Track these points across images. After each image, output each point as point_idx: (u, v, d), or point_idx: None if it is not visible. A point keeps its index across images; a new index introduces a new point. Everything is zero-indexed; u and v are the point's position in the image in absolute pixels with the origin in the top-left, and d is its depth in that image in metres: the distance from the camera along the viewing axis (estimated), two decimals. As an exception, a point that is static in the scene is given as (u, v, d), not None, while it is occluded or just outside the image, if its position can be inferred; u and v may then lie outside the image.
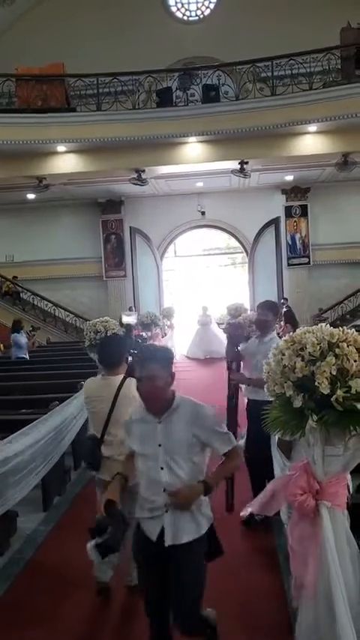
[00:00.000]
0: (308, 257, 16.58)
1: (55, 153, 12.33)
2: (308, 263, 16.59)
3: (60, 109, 11.97)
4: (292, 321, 10.31)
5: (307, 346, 1.91)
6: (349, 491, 2.18)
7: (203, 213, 17.08)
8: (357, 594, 2.07)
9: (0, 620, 3.27)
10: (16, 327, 10.77)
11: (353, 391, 1.81)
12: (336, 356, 1.86)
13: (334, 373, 1.84)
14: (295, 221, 16.55)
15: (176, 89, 12.36)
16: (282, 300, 15.63)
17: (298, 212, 16.52)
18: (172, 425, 2.41)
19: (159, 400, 2.41)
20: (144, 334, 11.80)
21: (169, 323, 14.80)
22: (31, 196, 14.59)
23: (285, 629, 2.88)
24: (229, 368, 4.46)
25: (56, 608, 3.38)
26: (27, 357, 10.69)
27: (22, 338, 10.71)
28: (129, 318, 4.93)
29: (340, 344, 1.89)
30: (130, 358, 3.63)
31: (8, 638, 3.10)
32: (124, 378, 3.25)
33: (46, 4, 15.92)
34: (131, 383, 3.07)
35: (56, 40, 14.55)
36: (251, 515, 4.17)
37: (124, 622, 3.24)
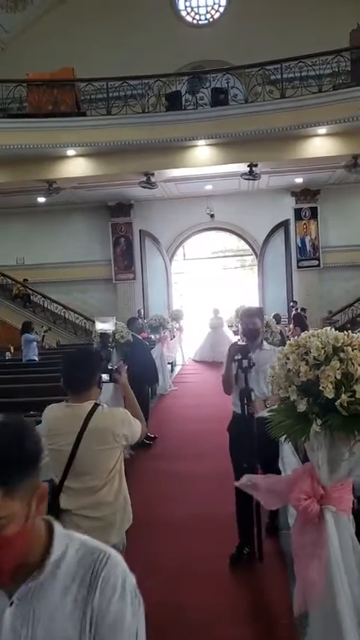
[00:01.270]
0: (318, 259, 16.52)
1: (66, 157, 12.40)
2: (318, 265, 16.53)
3: (70, 113, 12.06)
4: (301, 324, 10.24)
5: (312, 350, 1.90)
6: (354, 496, 2.16)
7: (212, 215, 17.11)
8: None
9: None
10: (26, 328, 10.91)
11: (358, 395, 1.80)
12: (340, 360, 1.85)
13: (339, 377, 1.83)
14: (304, 223, 16.50)
15: (185, 92, 12.38)
16: (291, 303, 15.61)
17: (307, 214, 16.47)
18: (40, 607, 1.08)
19: (9, 562, 1.03)
20: (152, 337, 11.83)
21: (177, 325, 14.79)
22: (41, 200, 14.69)
23: (293, 634, 2.85)
24: (246, 399, 3.73)
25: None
26: (37, 358, 10.72)
27: (31, 336, 10.86)
28: (105, 325, 4.02)
29: (344, 348, 1.88)
30: (104, 377, 2.94)
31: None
32: (95, 406, 2.62)
33: (56, 10, 16.06)
34: (107, 412, 2.65)
35: (67, 45, 14.65)
36: (240, 548, 3.85)
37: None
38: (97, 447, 2.54)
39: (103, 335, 3.60)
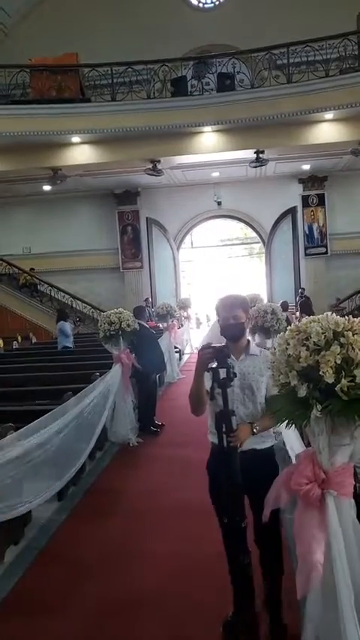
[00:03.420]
0: (326, 247, 16.43)
1: (70, 144, 12.37)
2: (326, 253, 16.43)
3: (74, 99, 11.99)
4: (307, 311, 10.21)
5: (312, 335, 1.89)
6: (355, 480, 2.16)
7: (219, 203, 17.04)
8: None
9: (14, 609, 3.31)
10: (62, 315, 10.85)
11: (358, 380, 1.79)
12: (341, 345, 1.83)
13: (339, 362, 1.82)
14: (312, 210, 16.40)
15: (191, 78, 12.29)
16: (299, 290, 15.56)
17: (315, 201, 16.35)
18: None
19: None
20: (160, 325, 11.84)
21: (185, 314, 14.77)
22: (47, 188, 14.67)
23: (295, 616, 2.87)
24: (226, 428, 2.57)
25: (67, 597, 3.42)
26: (72, 346, 10.66)
27: (67, 327, 10.70)
28: None
29: (345, 333, 1.86)
30: None
31: (22, 627, 3.14)
32: None
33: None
34: None
35: (70, 30, 14.55)
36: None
37: (135, 611, 3.26)
38: None
39: None
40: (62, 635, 3.04)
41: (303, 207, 16.43)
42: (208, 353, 2.59)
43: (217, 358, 2.57)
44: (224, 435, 2.56)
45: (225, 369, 2.55)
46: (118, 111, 11.80)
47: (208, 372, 2.62)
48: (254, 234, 18.47)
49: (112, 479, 5.55)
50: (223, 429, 2.56)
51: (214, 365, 2.57)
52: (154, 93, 12.36)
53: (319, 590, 1.98)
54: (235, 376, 2.59)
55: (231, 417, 2.57)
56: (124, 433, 6.63)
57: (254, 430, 2.66)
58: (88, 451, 5.25)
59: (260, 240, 18.13)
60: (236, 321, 2.85)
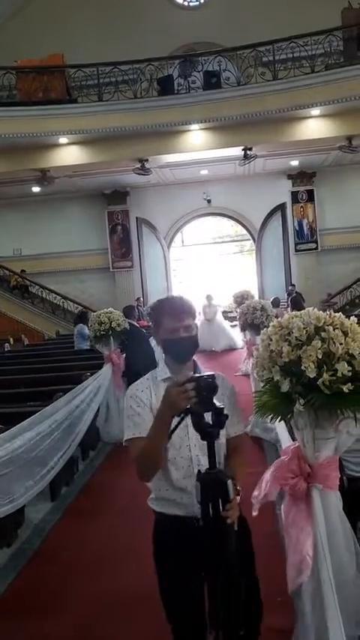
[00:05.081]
0: (316, 242, 16.47)
1: (58, 145, 12.34)
2: (316, 248, 16.47)
3: (61, 100, 11.96)
4: (299, 307, 10.23)
5: (294, 331, 1.91)
6: (341, 473, 2.18)
7: (209, 201, 17.04)
8: (353, 573, 2.08)
9: (7, 611, 3.31)
10: (82, 318, 10.60)
11: (339, 374, 1.81)
12: (322, 340, 1.86)
13: (320, 357, 1.84)
14: (301, 206, 16.43)
15: (177, 77, 12.28)
16: (290, 287, 15.60)
17: (304, 197, 16.38)
18: None
19: None
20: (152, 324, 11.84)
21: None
22: (36, 189, 14.62)
23: (289, 610, 2.88)
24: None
25: (62, 598, 3.42)
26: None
27: (86, 329, 10.16)
28: None
29: (326, 327, 1.88)
30: None
31: (16, 628, 3.15)
32: None
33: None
34: None
35: (56, 31, 14.51)
36: None
37: (129, 611, 3.26)
38: None
39: None
40: (56, 636, 3.05)
41: (292, 203, 16.45)
42: (187, 389, 1.77)
43: (200, 395, 1.76)
44: (210, 507, 1.76)
45: (216, 413, 1.76)
46: (105, 111, 11.78)
47: (178, 415, 1.83)
48: (245, 232, 18.49)
49: (106, 478, 5.56)
50: (212, 500, 1.77)
51: (194, 406, 1.77)
52: (140, 92, 12.34)
53: (308, 584, 2.00)
54: (227, 418, 1.79)
55: (227, 481, 1.79)
56: (116, 433, 6.63)
57: (238, 491, 1.92)
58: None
59: (251, 237, 18.16)
60: (189, 334, 2.10)
